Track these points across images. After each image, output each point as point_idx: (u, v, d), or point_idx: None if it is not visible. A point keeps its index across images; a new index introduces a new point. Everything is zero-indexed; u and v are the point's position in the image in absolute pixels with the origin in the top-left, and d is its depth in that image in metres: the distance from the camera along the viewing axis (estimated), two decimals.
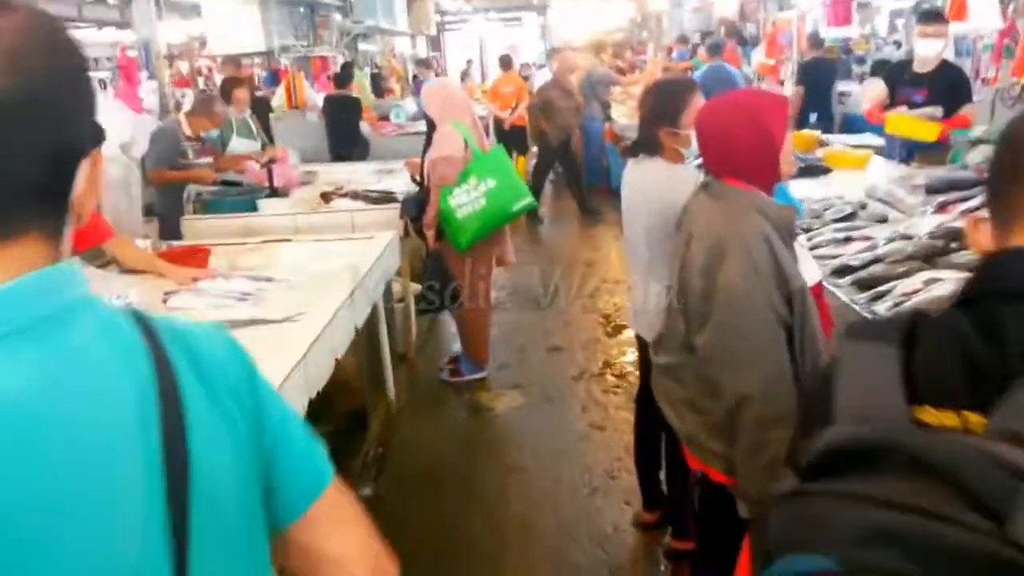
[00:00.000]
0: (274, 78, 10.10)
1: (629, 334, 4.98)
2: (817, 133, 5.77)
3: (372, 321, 3.49)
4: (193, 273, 3.10)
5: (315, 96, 9.41)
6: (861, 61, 13.45)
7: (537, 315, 5.47)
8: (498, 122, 9.54)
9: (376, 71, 13.46)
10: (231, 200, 4.51)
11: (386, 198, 4.84)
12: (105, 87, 6.03)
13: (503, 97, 9.72)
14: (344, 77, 8.20)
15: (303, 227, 4.34)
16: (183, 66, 14.16)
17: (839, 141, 5.72)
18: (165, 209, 5.02)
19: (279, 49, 8.91)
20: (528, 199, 4.10)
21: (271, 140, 6.98)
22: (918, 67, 4.70)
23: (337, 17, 10.94)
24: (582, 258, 6.92)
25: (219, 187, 4.84)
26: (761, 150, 1.93)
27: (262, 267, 3.39)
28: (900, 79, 4.80)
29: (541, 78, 9.38)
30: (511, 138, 9.17)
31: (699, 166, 2.48)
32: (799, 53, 8.83)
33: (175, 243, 3.75)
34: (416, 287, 4.63)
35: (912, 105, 4.69)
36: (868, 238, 2.94)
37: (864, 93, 8.74)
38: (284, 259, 3.53)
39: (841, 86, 8.56)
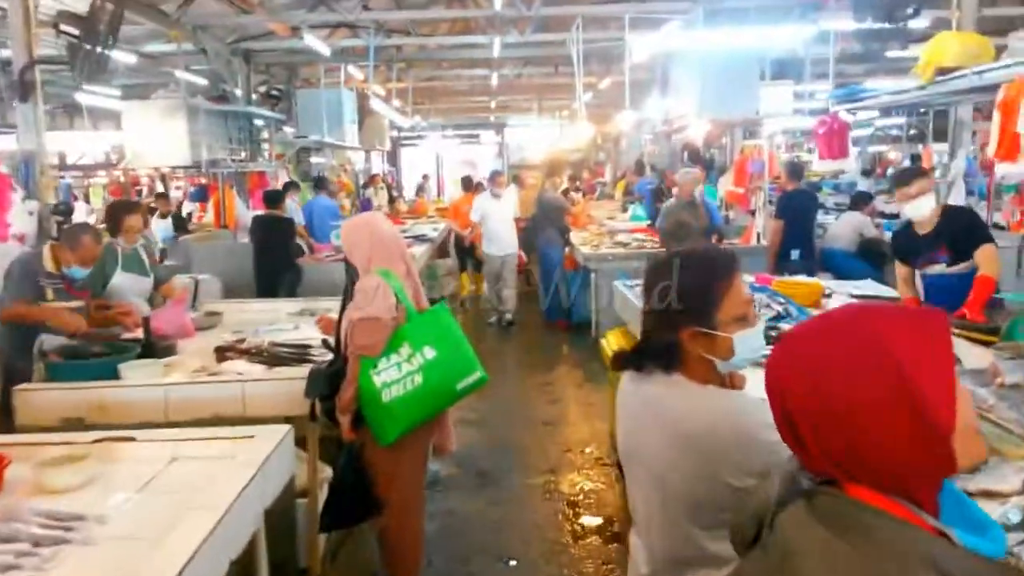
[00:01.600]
0: (202, 194, 9.16)
1: (600, 540, 3.91)
2: (817, 280, 4.96)
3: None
4: None
5: (247, 215, 8.50)
6: (836, 188, 13.15)
7: (485, 501, 4.38)
8: (459, 238, 10.28)
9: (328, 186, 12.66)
10: (82, 366, 3.42)
11: (298, 356, 3.80)
12: None
13: (463, 216, 10.05)
14: (274, 195, 7.29)
15: (176, 404, 3.27)
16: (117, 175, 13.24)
17: (840, 290, 4.91)
18: (11, 353, 3.90)
19: (207, 163, 8.01)
20: (478, 373, 3.10)
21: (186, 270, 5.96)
22: (921, 228, 3.99)
23: (284, 130, 10.18)
24: (540, 416, 5.89)
25: (77, 341, 3.75)
26: (922, 436, 0.98)
27: (77, 492, 2.30)
28: (912, 247, 4.06)
29: (481, 198, 9.19)
30: (469, 254, 10.00)
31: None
32: (772, 183, 8.24)
33: None
34: (328, 474, 3.54)
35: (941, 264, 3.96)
36: None
37: (842, 226, 8.16)
38: (118, 475, 2.44)
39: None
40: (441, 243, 10.91)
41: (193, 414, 3.22)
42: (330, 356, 3.38)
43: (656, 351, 1.67)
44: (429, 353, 3.04)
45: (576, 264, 8.54)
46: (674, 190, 10.03)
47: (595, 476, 4.70)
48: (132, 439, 2.63)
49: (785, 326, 3.47)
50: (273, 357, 3.82)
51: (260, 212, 7.57)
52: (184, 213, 10.26)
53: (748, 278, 5.20)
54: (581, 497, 4.39)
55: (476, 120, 23.32)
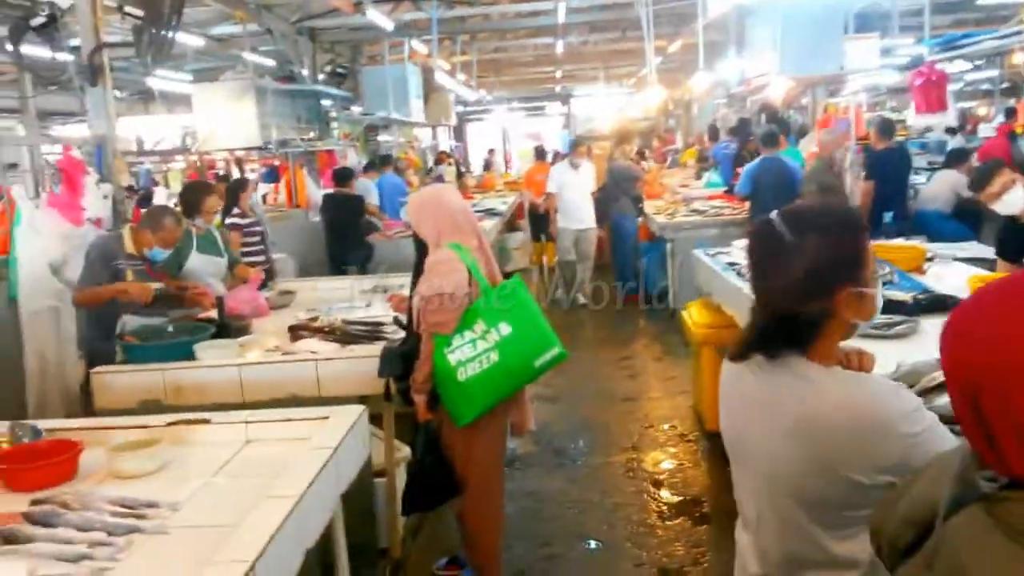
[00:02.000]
0: (273, 175, 9.21)
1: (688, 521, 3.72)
2: (919, 243, 4.59)
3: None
4: None
5: (318, 194, 8.50)
6: (923, 147, 12.40)
7: (565, 479, 4.23)
8: (532, 207, 10.15)
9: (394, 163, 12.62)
10: (158, 347, 3.39)
11: (371, 334, 3.71)
12: (39, 195, 5.05)
13: (537, 184, 10.15)
14: (344, 173, 7.24)
15: (251, 384, 3.21)
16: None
17: (943, 253, 4.52)
18: (95, 337, 3.94)
19: (277, 144, 8.02)
20: (557, 349, 2.93)
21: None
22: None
23: (351, 108, 10.15)
24: (619, 391, 5.70)
25: (151, 318, 3.74)
26: None
27: (151, 477, 2.24)
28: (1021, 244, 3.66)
29: (559, 168, 8.80)
30: (542, 223, 9.64)
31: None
32: (863, 143, 7.76)
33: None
34: (406, 453, 3.45)
35: None
36: None
37: (937, 186, 7.64)
38: (192, 459, 2.38)
39: None
40: (511, 216, 10.78)
41: (268, 394, 3.17)
42: (403, 334, 3.27)
43: (792, 328, 1.43)
44: (505, 329, 2.89)
45: (651, 234, 8.25)
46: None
47: (680, 453, 4.50)
48: (207, 421, 2.56)
49: (894, 293, 3.18)
50: (346, 335, 3.74)
51: (330, 191, 7.54)
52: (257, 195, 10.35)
53: None
54: (666, 476, 4.20)
55: (542, 92, 23.00)
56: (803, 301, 1.39)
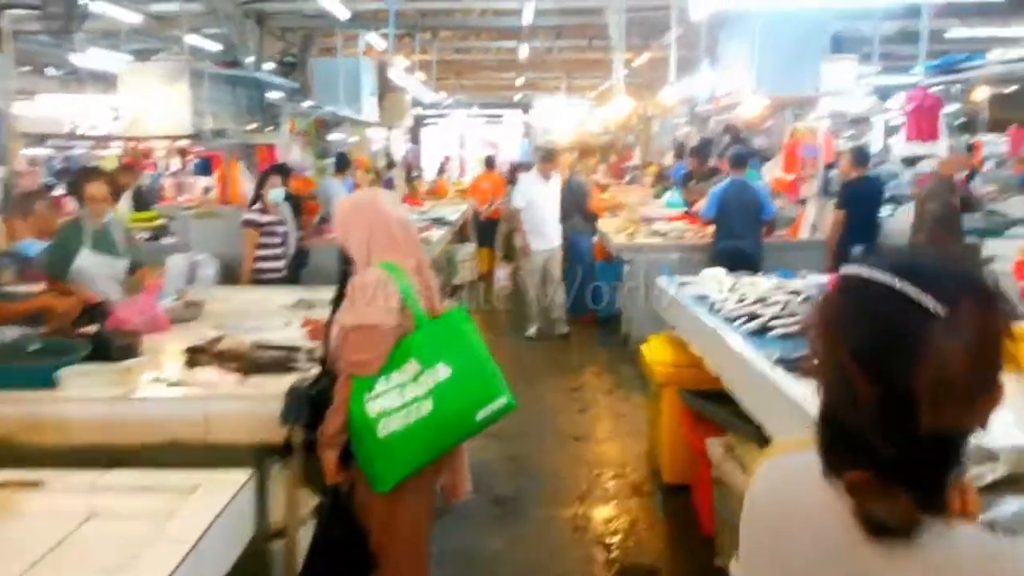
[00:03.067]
0: (206, 167, 8.52)
1: None
2: None
3: None
4: None
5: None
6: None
7: (505, 538, 3.70)
8: (476, 214, 10.23)
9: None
10: (11, 371, 2.76)
11: (282, 363, 3.12)
12: None
13: (482, 192, 10.44)
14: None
15: (122, 423, 2.61)
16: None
17: None
18: None
19: (211, 133, 7.34)
20: (504, 398, 2.40)
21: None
22: None
23: (301, 102, 9.50)
24: (567, 428, 5.19)
25: (14, 336, 3.09)
26: None
27: None
28: None
29: (527, 179, 7.83)
30: (486, 230, 9.83)
31: None
32: (835, 171, 7.44)
33: None
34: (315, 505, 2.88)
35: None
36: None
37: (904, 220, 7.34)
38: (10, 539, 1.78)
39: None
40: (461, 227, 10.26)
41: (143, 437, 2.57)
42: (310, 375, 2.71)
43: (936, 458, 0.91)
44: (443, 372, 2.35)
45: (607, 254, 7.80)
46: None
47: (634, 508, 4.00)
48: (37, 485, 1.96)
49: None
50: (252, 363, 3.15)
51: None
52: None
53: (818, 278, 4.47)
54: (619, 538, 3.69)
55: (502, 99, 22.52)
56: (967, 413, 0.88)
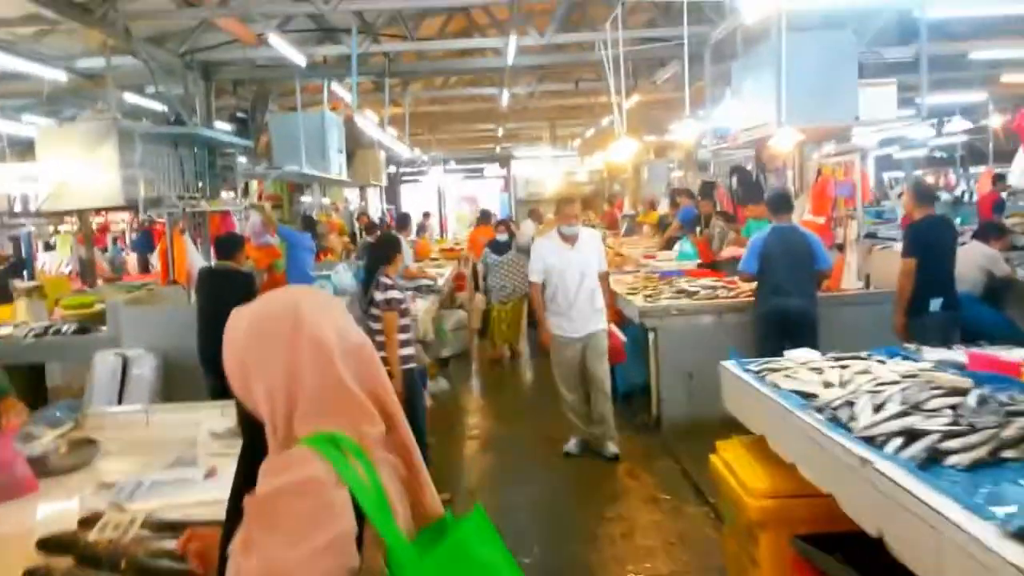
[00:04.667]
0: (147, 241, 7.31)
1: None
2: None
3: None
4: None
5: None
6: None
7: None
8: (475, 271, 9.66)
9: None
10: None
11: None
12: None
13: (479, 247, 9.68)
14: (228, 242, 5.41)
15: None
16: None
17: None
18: None
19: (145, 202, 6.17)
20: None
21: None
22: None
23: (244, 161, 8.37)
24: (612, 567, 3.92)
25: None
26: None
27: None
28: None
29: (543, 245, 6.14)
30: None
31: None
32: (890, 208, 6.36)
33: None
34: None
35: None
36: None
37: (964, 264, 6.21)
38: None
39: None
40: (449, 291, 9.11)
41: None
42: None
43: None
44: None
45: (621, 318, 6.60)
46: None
47: None
48: None
49: None
50: (140, 570, 1.92)
51: (210, 264, 5.70)
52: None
53: (936, 353, 3.31)
54: None
55: (482, 153, 21.63)
56: None
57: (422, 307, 6.79)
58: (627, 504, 4.67)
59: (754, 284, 5.53)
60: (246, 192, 12.48)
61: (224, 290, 5.15)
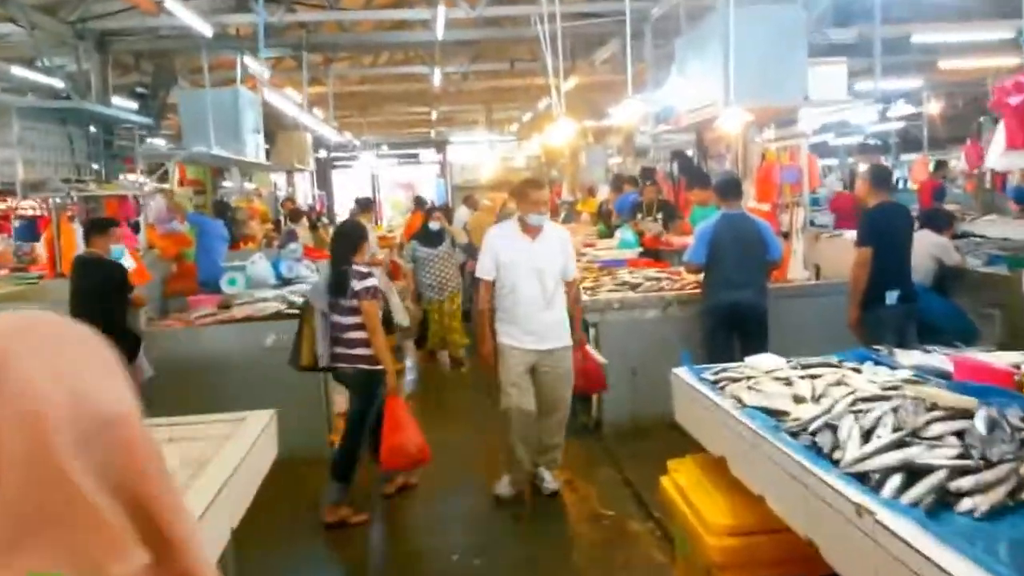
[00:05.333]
0: (32, 230, 6.55)
1: None
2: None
3: None
4: None
5: None
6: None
7: None
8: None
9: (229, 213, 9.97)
10: None
11: None
12: None
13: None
14: (98, 225, 4.73)
15: None
16: None
17: None
18: None
19: (23, 186, 5.41)
20: None
21: None
22: None
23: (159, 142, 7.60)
24: None
25: None
26: None
27: None
28: None
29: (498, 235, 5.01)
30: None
31: None
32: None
33: None
34: None
35: None
36: None
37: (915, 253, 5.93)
38: None
39: None
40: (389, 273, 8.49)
41: None
42: None
43: None
44: None
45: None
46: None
47: None
48: None
49: None
50: None
51: (81, 252, 5.00)
52: None
53: (911, 357, 2.92)
54: None
55: (416, 137, 20.92)
56: None
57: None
58: (567, 523, 4.20)
59: (701, 275, 5.13)
60: (164, 177, 11.66)
61: (91, 281, 4.51)
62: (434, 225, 7.56)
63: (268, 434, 2.68)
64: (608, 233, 9.08)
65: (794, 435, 2.20)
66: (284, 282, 6.92)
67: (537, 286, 4.21)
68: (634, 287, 5.66)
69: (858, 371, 2.71)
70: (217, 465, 2.28)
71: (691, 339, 5.08)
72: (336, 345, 4.17)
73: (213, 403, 5.07)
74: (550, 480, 4.45)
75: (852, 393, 2.43)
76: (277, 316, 5.31)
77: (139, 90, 8.24)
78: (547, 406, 4.32)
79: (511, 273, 4.24)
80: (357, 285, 4.08)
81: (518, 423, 4.25)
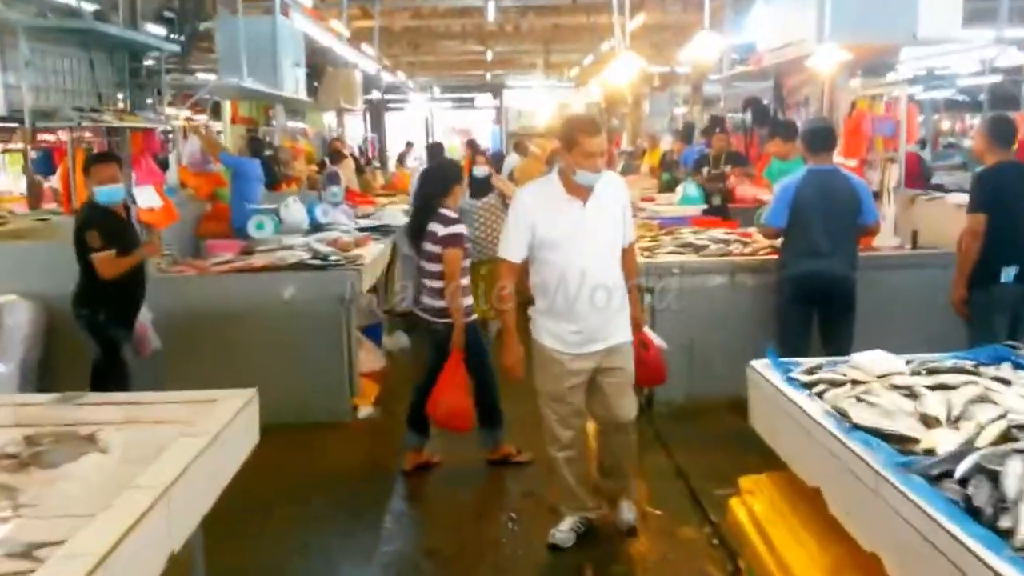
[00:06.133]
0: (48, 162, 6.13)
1: None
2: None
3: None
4: None
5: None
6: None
7: None
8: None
9: (269, 153, 9.49)
10: None
11: None
12: None
13: None
14: (101, 159, 4.25)
15: None
16: None
17: None
18: None
19: (32, 115, 4.95)
20: None
21: None
22: None
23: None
24: None
25: None
26: None
27: None
28: None
29: (529, 196, 4.09)
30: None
31: None
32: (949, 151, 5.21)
33: None
34: None
35: None
36: None
37: None
38: None
39: None
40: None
41: None
42: None
43: None
44: None
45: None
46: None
47: None
48: None
49: None
50: None
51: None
52: None
53: None
54: None
55: (470, 80, 20.15)
56: None
57: (376, 251, 5.68)
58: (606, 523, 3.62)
59: (779, 240, 4.42)
60: (216, 112, 11.18)
61: (78, 225, 4.05)
62: (479, 171, 6.46)
63: (240, 423, 2.14)
64: (673, 184, 8.31)
65: (932, 480, 1.57)
66: (317, 228, 6.41)
67: (593, 268, 3.07)
68: (698, 249, 4.97)
69: (1005, 381, 2.04)
70: (156, 470, 1.75)
71: (760, 313, 4.44)
72: (422, 294, 3.93)
73: (222, 363, 4.68)
74: (627, 512, 3.40)
75: (1004, 415, 1.78)
76: (298, 267, 4.79)
77: (167, 14, 7.71)
78: (608, 419, 3.30)
79: (555, 253, 3.06)
80: (441, 230, 3.80)
81: (562, 441, 3.21)
